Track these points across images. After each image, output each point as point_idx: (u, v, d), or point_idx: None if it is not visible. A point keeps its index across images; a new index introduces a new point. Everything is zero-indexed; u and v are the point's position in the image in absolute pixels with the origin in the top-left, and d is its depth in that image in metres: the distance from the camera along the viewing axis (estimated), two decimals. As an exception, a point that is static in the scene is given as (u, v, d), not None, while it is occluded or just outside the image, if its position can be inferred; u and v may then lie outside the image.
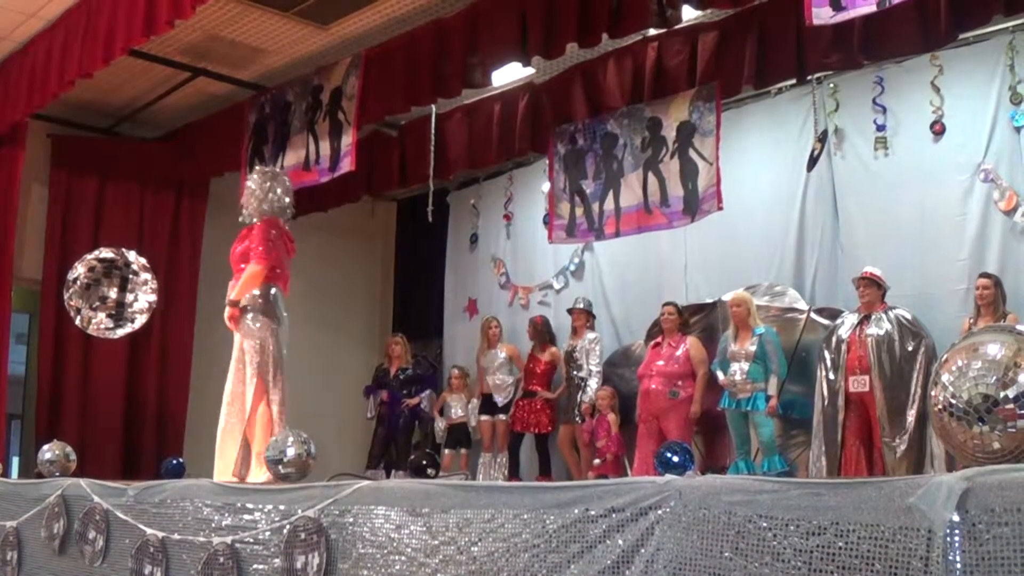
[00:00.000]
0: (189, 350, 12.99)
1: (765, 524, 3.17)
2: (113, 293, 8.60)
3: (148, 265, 8.70)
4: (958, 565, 2.69)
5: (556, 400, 11.49)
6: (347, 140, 10.47)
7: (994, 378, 2.96)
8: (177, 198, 13.18)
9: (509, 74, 10.52)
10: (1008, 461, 2.91)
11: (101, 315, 8.55)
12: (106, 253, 8.66)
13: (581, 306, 11.53)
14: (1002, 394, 2.93)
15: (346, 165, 10.51)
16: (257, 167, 8.47)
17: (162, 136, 13.24)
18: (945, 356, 3.14)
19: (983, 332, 3.18)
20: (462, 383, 12.45)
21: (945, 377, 3.07)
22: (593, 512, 3.76)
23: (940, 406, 3.08)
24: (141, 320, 8.76)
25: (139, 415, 12.61)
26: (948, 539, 2.70)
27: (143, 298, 8.69)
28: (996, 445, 2.96)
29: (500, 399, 12.07)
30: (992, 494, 2.70)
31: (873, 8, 6.90)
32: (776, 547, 3.11)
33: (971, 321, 8.55)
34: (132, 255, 8.67)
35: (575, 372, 11.23)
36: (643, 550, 3.57)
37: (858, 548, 2.92)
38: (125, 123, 12.98)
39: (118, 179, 12.79)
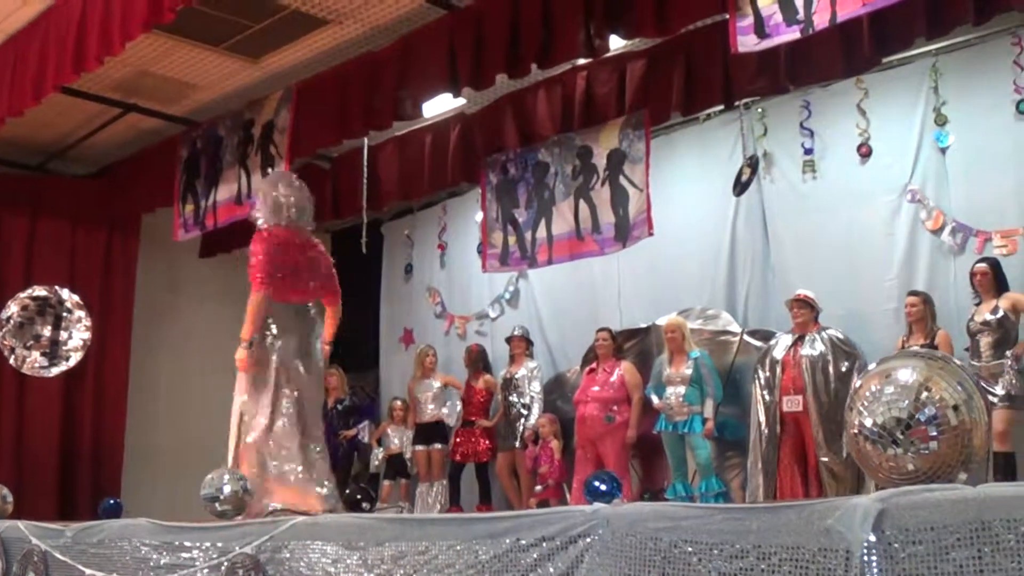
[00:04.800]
0: (124, 387, 12.85)
1: (690, 549, 3.23)
2: (47, 331, 8.54)
3: (82, 302, 8.64)
4: (875, 584, 2.77)
5: (494, 428, 11.51)
6: (279, 173, 10.44)
7: (906, 402, 3.05)
8: (109, 234, 13.00)
9: (440, 105, 10.57)
10: (923, 481, 3.01)
11: (35, 354, 8.49)
12: (39, 291, 8.61)
13: (519, 334, 11.58)
14: (914, 417, 3.02)
15: (279, 198, 10.46)
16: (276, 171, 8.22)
17: (94, 172, 13.15)
18: (859, 382, 3.24)
19: (896, 358, 3.28)
20: (404, 415, 12.34)
21: (860, 403, 3.16)
22: (524, 541, 3.81)
23: (855, 430, 3.17)
24: (76, 358, 8.70)
25: (75, 454, 12.44)
26: (865, 559, 2.78)
27: (77, 336, 8.64)
28: (910, 466, 3.05)
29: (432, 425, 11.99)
30: (906, 514, 2.79)
31: (797, 35, 7.04)
32: (701, 571, 3.18)
33: (904, 339, 8.66)
34: (65, 293, 8.62)
35: (516, 399, 11.27)
36: (574, 577, 3.62)
37: (780, 570, 2.99)
38: (56, 160, 12.87)
39: (49, 216, 12.65)
